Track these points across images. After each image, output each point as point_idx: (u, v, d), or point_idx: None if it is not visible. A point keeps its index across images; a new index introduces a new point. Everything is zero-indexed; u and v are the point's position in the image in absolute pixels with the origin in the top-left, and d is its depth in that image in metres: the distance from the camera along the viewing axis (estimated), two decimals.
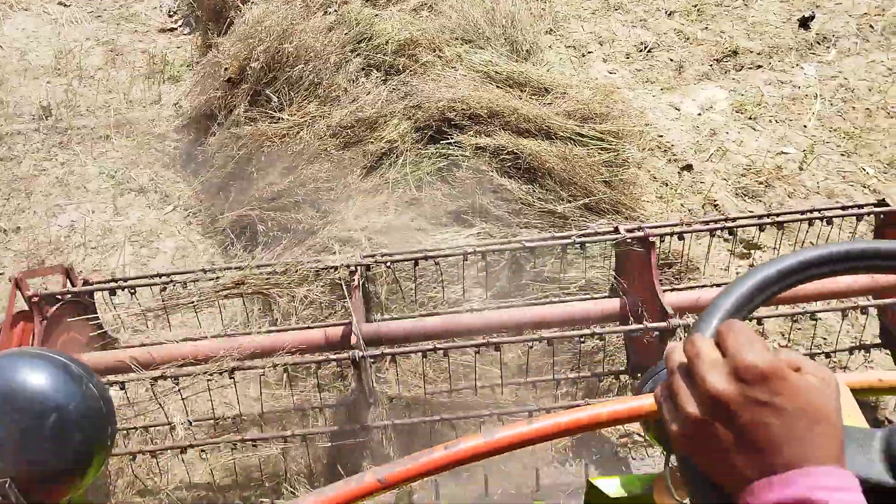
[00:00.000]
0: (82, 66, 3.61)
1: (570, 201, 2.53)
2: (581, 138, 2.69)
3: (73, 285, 1.89)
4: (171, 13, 3.94)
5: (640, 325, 1.73)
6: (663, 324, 1.68)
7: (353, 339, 1.73)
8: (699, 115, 3.16)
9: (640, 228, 1.87)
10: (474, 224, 2.55)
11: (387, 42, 3.06)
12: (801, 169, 2.87)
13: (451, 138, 2.72)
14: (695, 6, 3.72)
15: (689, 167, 2.92)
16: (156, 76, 3.52)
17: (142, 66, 3.59)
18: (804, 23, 3.55)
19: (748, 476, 0.52)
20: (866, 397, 0.88)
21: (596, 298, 2.01)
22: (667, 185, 2.85)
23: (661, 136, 3.06)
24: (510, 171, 2.62)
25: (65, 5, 4.05)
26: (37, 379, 0.84)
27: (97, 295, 1.99)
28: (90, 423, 0.86)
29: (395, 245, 2.35)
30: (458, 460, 0.65)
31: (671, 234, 1.90)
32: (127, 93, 3.44)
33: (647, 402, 0.66)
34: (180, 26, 3.85)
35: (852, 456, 0.57)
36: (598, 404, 0.68)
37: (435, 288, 2.16)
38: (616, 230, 1.89)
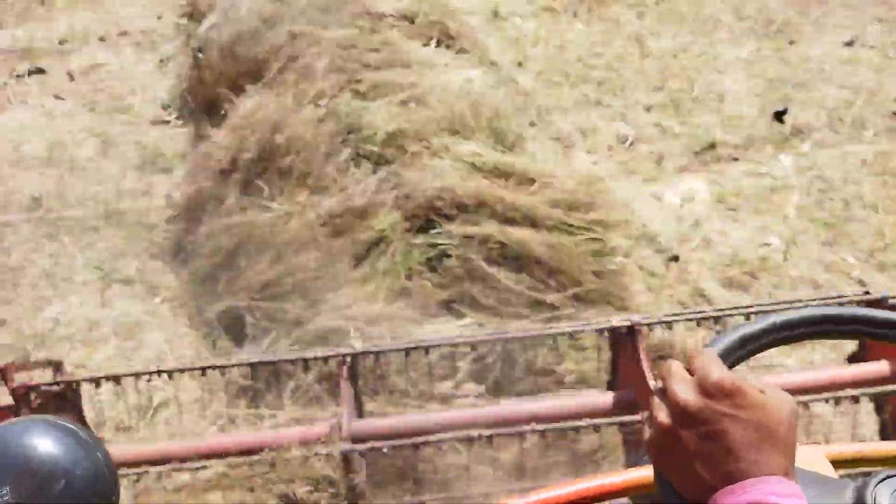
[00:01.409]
0: (74, 158, 3.65)
1: (559, 290, 2.52)
2: (568, 227, 2.70)
3: None
4: (165, 106, 4.02)
5: (635, 417, 1.70)
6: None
7: (343, 433, 1.67)
8: (681, 205, 3.22)
9: (628, 320, 1.88)
10: (464, 314, 2.53)
11: (375, 133, 3.10)
12: (784, 259, 2.91)
13: (440, 227, 2.72)
14: (671, 100, 3.86)
15: (675, 258, 2.93)
16: (147, 167, 3.57)
17: (133, 156, 3.64)
18: (778, 116, 3.68)
19: (710, 484, 0.58)
20: (847, 468, 0.92)
21: (590, 392, 1.97)
22: (654, 275, 2.87)
23: (645, 225, 3.10)
24: (498, 259, 2.61)
25: (60, 98, 4.13)
26: (46, 445, 0.85)
27: (83, 392, 1.93)
28: (97, 490, 0.86)
29: (385, 336, 2.32)
30: None
31: (659, 324, 1.93)
32: (118, 183, 3.47)
33: (643, 472, 0.69)
34: (175, 118, 3.92)
35: (825, 501, 0.62)
36: (593, 476, 0.73)
37: (425, 381, 2.11)
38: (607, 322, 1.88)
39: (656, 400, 0.62)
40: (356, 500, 1.74)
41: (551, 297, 2.50)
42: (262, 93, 3.31)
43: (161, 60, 4.42)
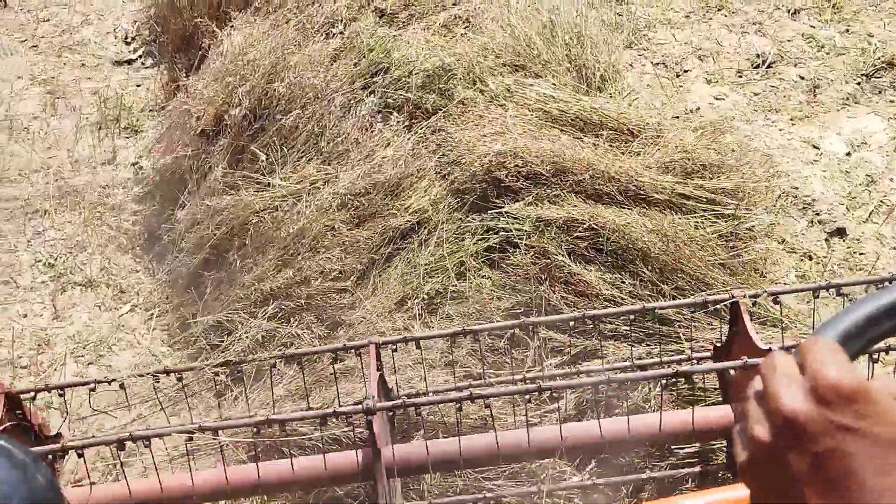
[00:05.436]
0: (12, 115, 3.68)
1: (674, 296, 2.47)
2: (685, 202, 2.70)
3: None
4: (129, 39, 4.02)
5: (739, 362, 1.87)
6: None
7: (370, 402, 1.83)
8: (848, 155, 3.15)
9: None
10: (538, 329, 2.50)
11: (410, 73, 3.13)
12: None
13: (502, 207, 2.74)
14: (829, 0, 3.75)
15: (840, 231, 2.90)
16: (109, 125, 3.59)
17: (90, 111, 3.67)
18: None
19: None
20: None
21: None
22: (811, 258, 2.83)
23: (797, 188, 3.04)
24: (587, 252, 2.62)
25: None
26: None
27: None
28: None
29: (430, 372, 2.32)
30: None
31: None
32: (72, 150, 3.51)
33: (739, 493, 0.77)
34: (140, 56, 3.95)
35: None
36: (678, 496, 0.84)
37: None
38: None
39: (753, 408, 0.64)
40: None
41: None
42: (254, 22, 3.30)
43: None
